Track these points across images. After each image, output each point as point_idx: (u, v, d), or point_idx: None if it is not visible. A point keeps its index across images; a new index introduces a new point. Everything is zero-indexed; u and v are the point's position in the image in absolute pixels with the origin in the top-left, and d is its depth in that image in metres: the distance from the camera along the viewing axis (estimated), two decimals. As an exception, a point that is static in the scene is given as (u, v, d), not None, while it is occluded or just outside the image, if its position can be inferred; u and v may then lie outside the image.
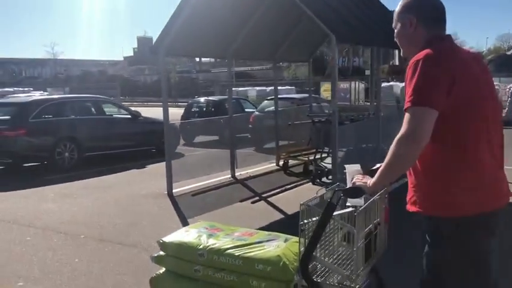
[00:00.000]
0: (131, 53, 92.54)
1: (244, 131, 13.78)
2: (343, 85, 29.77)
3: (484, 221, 2.09)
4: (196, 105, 17.09)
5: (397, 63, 67.65)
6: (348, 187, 2.26)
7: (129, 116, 12.80)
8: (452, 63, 2.07)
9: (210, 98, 18.03)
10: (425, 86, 1.99)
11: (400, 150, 2.01)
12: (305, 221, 2.18)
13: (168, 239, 2.80)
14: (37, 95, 23.01)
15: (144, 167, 11.63)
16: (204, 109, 16.70)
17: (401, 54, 2.39)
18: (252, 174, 10.22)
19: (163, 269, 2.83)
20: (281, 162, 10.94)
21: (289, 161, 10.72)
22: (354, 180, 2.28)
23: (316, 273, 2.28)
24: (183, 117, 16.53)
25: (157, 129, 13.17)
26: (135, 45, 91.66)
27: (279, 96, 17.68)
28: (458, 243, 2.08)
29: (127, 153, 12.30)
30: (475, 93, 2.09)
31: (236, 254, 2.49)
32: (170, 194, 8.43)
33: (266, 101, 15.15)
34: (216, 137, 14.76)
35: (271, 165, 11.29)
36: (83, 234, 6.21)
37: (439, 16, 2.28)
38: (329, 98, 28.92)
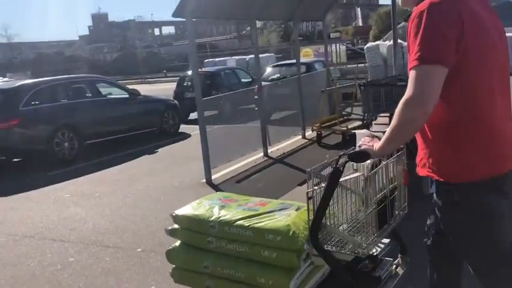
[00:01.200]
0: (87, 32, 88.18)
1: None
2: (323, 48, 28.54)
3: (498, 184, 1.91)
4: (189, 78, 15.55)
5: (360, 23, 67.59)
6: (352, 151, 2.06)
7: (127, 96, 11.22)
8: (461, 12, 1.81)
9: (204, 69, 16.50)
10: (432, 41, 1.77)
11: (406, 114, 1.80)
12: (314, 188, 2.08)
13: (180, 211, 2.77)
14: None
15: (156, 152, 10.21)
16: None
17: (400, 3, 2.14)
18: (285, 151, 8.99)
19: (179, 242, 2.79)
20: (308, 134, 9.75)
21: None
22: (360, 143, 2.13)
23: (330, 241, 2.21)
24: (178, 92, 15.03)
25: (158, 108, 11.82)
26: (90, 23, 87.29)
27: (284, 62, 16.56)
28: (469, 207, 1.92)
29: (129, 137, 10.81)
30: (485, 43, 1.87)
31: (246, 224, 2.47)
32: (210, 183, 7.13)
33: (270, 68, 13.80)
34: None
35: (297, 138, 10.10)
36: (138, 246, 4.88)
37: None
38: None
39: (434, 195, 2.06)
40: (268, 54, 29.84)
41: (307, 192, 2.09)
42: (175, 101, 12.70)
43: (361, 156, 2.02)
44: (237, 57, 29.42)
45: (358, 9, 69.66)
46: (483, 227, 1.93)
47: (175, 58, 63.55)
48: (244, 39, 62.93)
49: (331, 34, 56.10)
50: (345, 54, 28.24)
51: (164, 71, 41.53)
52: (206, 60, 28.19)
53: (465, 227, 1.95)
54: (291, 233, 2.32)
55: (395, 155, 2.25)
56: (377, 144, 2.02)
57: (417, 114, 1.79)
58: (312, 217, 2.11)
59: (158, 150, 10.35)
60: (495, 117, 1.90)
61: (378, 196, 2.17)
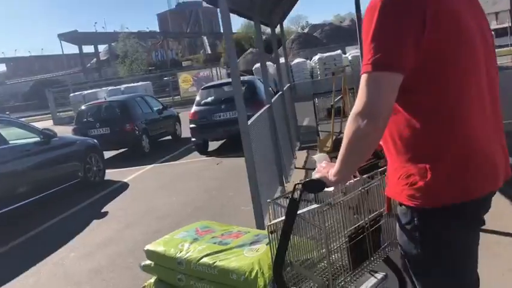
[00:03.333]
0: None
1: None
2: (204, 73, 26.33)
3: (471, 210, 1.53)
4: (95, 110, 11.96)
5: (209, 51, 67.09)
6: (306, 180, 1.70)
7: (39, 139, 7.55)
8: (426, 3, 1.40)
9: (111, 99, 12.97)
10: (385, 41, 1.40)
11: (356, 129, 1.44)
12: (274, 221, 1.83)
13: (151, 247, 2.66)
14: None
15: (103, 212, 6.80)
16: (105, 113, 11.78)
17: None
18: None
19: (155, 277, 2.66)
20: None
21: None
22: (315, 170, 1.79)
23: (301, 281, 1.93)
24: (78, 130, 11.35)
25: (79, 151, 8.34)
26: None
27: (217, 82, 13.77)
28: (427, 235, 1.55)
29: (42, 199, 7.25)
30: (456, 38, 1.44)
31: (211, 262, 2.34)
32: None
33: (203, 90, 11.03)
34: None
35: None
36: None
37: None
38: (190, 89, 25.49)
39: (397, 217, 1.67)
40: (144, 83, 26.58)
41: (268, 226, 1.84)
42: (95, 140, 9.23)
43: (315, 185, 1.67)
44: (109, 88, 25.52)
45: (205, 37, 69.14)
46: (441, 259, 1.57)
47: (11, 98, 55.66)
48: (91, 72, 57.92)
49: (182, 62, 54.61)
50: (226, 77, 26.41)
51: (7, 112, 35.18)
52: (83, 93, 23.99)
53: (421, 255, 1.59)
54: (254, 273, 2.21)
55: (373, 181, 1.96)
56: (332, 170, 1.63)
57: (367, 129, 1.42)
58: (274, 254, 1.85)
59: (106, 206, 6.96)
60: (474, 132, 1.48)
61: (350, 228, 1.87)
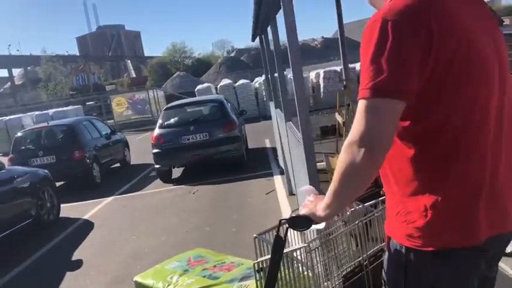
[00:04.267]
0: None
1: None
2: (139, 95, 24.73)
3: (472, 256, 1.33)
4: (36, 136, 10.27)
5: (133, 75, 64.77)
6: (291, 216, 1.56)
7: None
8: (431, 21, 1.23)
9: (55, 123, 11.21)
10: (386, 63, 1.22)
11: (351, 161, 1.26)
12: (260, 259, 1.72)
13: (141, 278, 2.66)
14: None
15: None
16: (49, 139, 10.15)
17: (367, 2, 1.52)
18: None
19: None
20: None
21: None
22: (302, 205, 1.57)
23: None
24: (16, 159, 9.62)
25: (31, 185, 6.83)
26: None
27: (186, 100, 12.40)
28: (417, 279, 1.37)
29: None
30: (467, 61, 1.25)
31: None
32: None
33: (167, 111, 9.78)
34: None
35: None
36: None
37: None
38: (125, 113, 23.80)
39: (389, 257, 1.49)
40: (74, 107, 24.44)
41: (254, 264, 1.73)
42: (46, 171, 7.70)
43: (300, 222, 1.49)
44: (36, 113, 23.10)
45: (128, 61, 66.81)
46: None
47: None
48: (4, 98, 53.51)
49: (106, 87, 52.07)
50: (163, 100, 25.00)
51: None
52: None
53: None
54: None
55: (380, 207, 1.87)
56: (319, 204, 1.44)
57: (364, 161, 1.24)
58: None
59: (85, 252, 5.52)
60: (478, 167, 1.30)
61: (346, 266, 1.82)
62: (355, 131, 1.26)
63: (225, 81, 21.42)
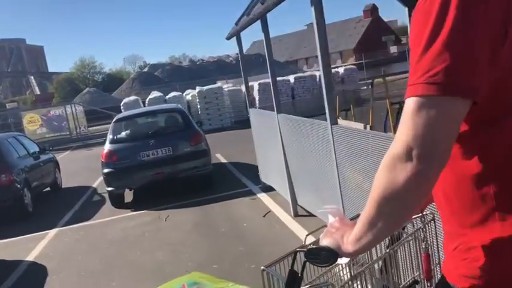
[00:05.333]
0: None
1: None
2: (54, 111, 22.19)
3: None
4: None
5: (38, 91, 59.72)
6: (310, 246, 1.29)
7: None
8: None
9: None
10: (449, 51, 0.88)
11: (395, 182, 0.94)
12: None
13: None
14: None
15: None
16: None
17: None
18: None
19: None
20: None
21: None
22: (324, 232, 1.22)
23: None
24: None
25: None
26: None
27: (140, 110, 10.59)
28: None
29: None
30: None
31: None
32: None
33: (118, 123, 8.18)
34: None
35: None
36: None
37: None
38: (38, 131, 21.27)
39: None
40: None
41: None
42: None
43: (322, 256, 1.15)
44: None
45: (31, 77, 61.66)
46: None
47: None
48: None
49: (7, 105, 47.43)
50: (83, 116, 22.71)
51: None
52: None
53: None
54: None
55: (405, 235, 1.57)
56: (349, 234, 1.10)
57: (413, 181, 0.92)
58: None
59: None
60: None
61: None
62: (401, 140, 0.93)
63: (155, 94, 19.75)
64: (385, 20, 69.85)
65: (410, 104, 0.92)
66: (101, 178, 8.11)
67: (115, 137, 7.87)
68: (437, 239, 1.62)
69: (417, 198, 0.97)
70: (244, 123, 15.41)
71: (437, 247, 1.64)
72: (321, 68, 3.76)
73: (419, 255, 1.59)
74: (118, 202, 7.78)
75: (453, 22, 0.89)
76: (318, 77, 20.31)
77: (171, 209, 7.02)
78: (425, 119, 0.90)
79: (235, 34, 6.70)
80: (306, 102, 18.04)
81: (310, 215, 5.28)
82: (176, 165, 7.59)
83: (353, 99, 6.45)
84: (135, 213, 7.23)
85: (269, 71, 5.62)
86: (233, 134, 15.83)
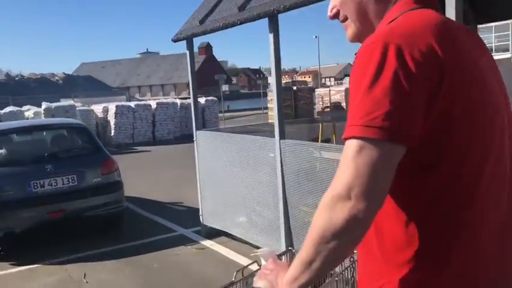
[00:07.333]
0: None
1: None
2: None
3: None
4: None
5: None
6: None
7: None
8: (441, 53, 1.01)
9: None
10: (386, 97, 0.96)
11: (333, 222, 0.95)
12: None
13: None
14: None
15: None
16: None
17: (347, 37, 1.21)
18: None
19: None
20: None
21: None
22: (259, 272, 1.28)
23: None
24: None
25: None
26: None
27: (31, 123, 7.39)
28: None
29: None
30: (478, 104, 1.05)
31: None
32: None
33: (16, 135, 5.68)
34: None
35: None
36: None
37: None
38: None
39: None
40: None
41: None
42: None
43: None
44: None
45: None
46: None
47: None
48: None
49: None
50: None
51: None
52: None
53: None
54: None
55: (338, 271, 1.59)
56: (283, 275, 1.09)
57: (350, 222, 0.94)
58: None
59: None
60: (483, 237, 1.03)
61: None
62: (340, 181, 0.95)
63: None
64: (218, 59, 71.94)
65: (350, 145, 0.94)
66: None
67: (-9, 158, 5.42)
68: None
69: (356, 237, 0.97)
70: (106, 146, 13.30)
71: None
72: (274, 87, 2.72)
73: None
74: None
75: (393, 72, 0.92)
76: (179, 104, 18.96)
77: (82, 262, 4.94)
78: (365, 160, 0.93)
79: (193, 36, 5.15)
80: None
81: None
82: (82, 200, 5.50)
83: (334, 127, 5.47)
84: (23, 268, 4.91)
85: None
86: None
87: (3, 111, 15.61)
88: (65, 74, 58.17)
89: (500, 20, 5.37)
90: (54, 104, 15.75)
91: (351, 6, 1.14)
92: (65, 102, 16.79)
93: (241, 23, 4.24)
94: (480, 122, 1.01)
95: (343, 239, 0.95)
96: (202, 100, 20.65)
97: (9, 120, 14.89)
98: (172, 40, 5.42)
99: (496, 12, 5.39)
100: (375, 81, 0.93)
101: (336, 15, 1.20)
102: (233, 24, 4.35)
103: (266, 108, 22.55)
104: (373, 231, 1.06)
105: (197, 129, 5.53)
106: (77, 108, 16.16)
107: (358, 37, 1.16)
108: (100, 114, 17.69)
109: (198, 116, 5.73)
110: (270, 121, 17.57)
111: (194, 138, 5.54)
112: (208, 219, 5.54)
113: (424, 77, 0.94)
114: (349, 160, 0.94)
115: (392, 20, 1.06)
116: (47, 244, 5.58)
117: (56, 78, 56.05)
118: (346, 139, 0.96)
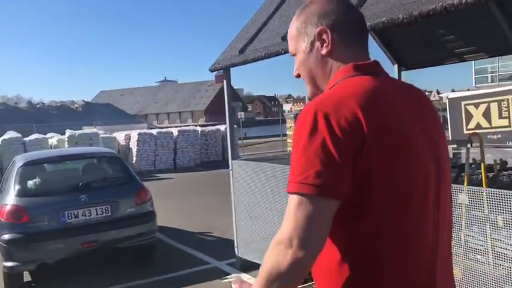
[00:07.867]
0: None
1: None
2: None
3: None
4: None
5: None
6: None
7: None
8: (368, 113, 1.11)
9: None
10: (317, 158, 1.08)
11: (277, 264, 1.09)
12: None
13: None
14: None
15: None
16: None
17: (307, 94, 1.38)
18: None
19: None
20: None
21: None
22: None
23: None
24: None
25: None
26: None
27: (64, 152, 7.41)
28: None
29: None
30: (403, 163, 1.13)
31: None
32: None
33: (29, 167, 5.60)
34: None
35: None
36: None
37: (359, 27, 1.32)
38: None
39: None
40: None
41: None
42: None
43: None
44: None
45: None
46: None
47: None
48: None
49: None
50: None
51: None
52: None
53: None
54: None
55: None
56: None
57: (290, 265, 1.08)
58: None
59: None
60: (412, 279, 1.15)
61: None
62: (284, 230, 1.09)
63: (12, 134, 15.97)
64: (234, 87, 72.49)
65: (291, 199, 1.09)
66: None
67: (24, 187, 5.34)
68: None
69: (297, 279, 1.10)
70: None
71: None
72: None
73: None
74: (16, 284, 5.18)
75: (322, 137, 1.07)
76: (199, 131, 18.98)
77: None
78: (303, 213, 1.06)
79: (232, 66, 5.09)
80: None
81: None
82: (116, 231, 5.37)
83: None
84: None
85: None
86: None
87: (28, 138, 15.73)
88: (84, 101, 58.99)
89: (426, 67, 5.33)
90: (77, 132, 15.86)
91: (303, 71, 1.32)
92: (88, 130, 16.90)
93: (285, 52, 4.16)
94: (399, 179, 1.11)
95: (286, 279, 1.09)
96: (222, 127, 20.68)
97: (34, 148, 15.05)
98: (209, 70, 5.37)
99: (421, 59, 5.39)
100: (308, 144, 1.07)
101: (298, 76, 1.36)
102: (276, 54, 4.27)
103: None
104: (319, 272, 1.20)
105: (233, 158, 5.41)
106: (100, 136, 16.23)
107: (314, 95, 1.31)
108: (122, 142, 17.76)
109: (234, 145, 5.62)
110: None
111: (230, 168, 5.42)
112: (243, 251, 5.36)
113: (348, 140, 1.07)
114: (291, 213, 1.08)
115: (333, 86, 1.21)
116: (79, 276, 5.43)
117: (76, 105, 56.84)
118: (291, 192, 1.09)
